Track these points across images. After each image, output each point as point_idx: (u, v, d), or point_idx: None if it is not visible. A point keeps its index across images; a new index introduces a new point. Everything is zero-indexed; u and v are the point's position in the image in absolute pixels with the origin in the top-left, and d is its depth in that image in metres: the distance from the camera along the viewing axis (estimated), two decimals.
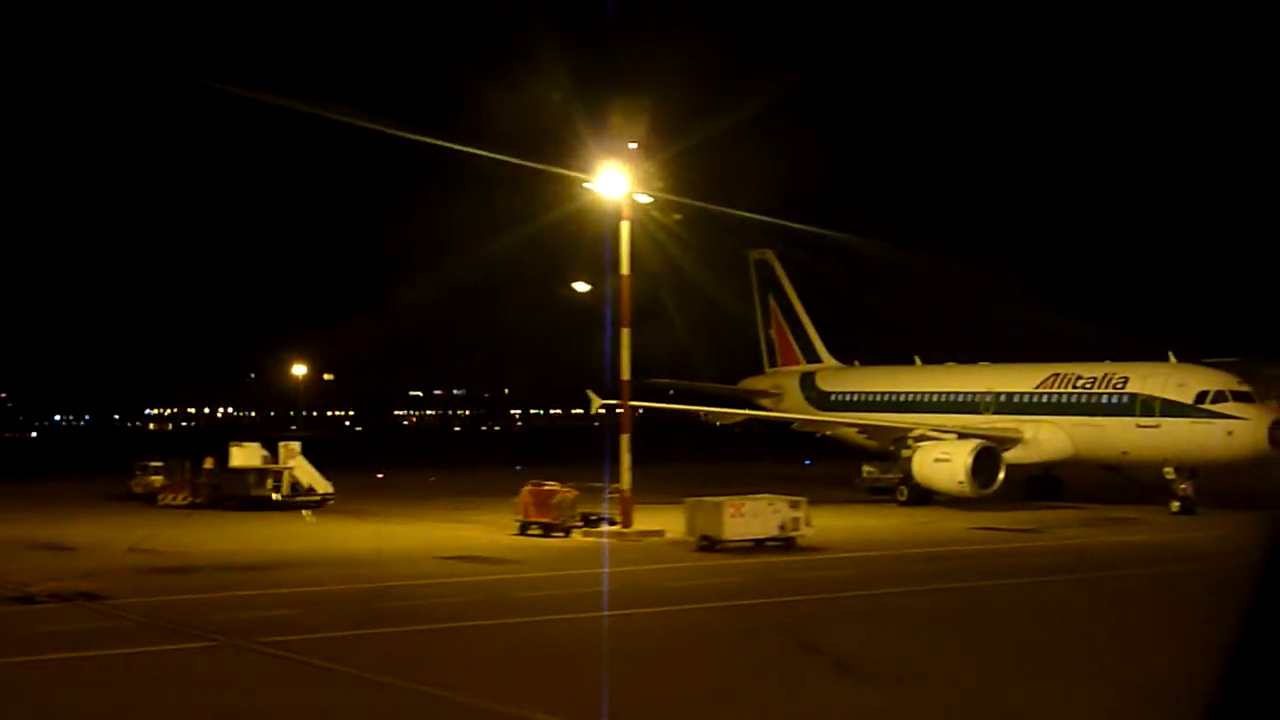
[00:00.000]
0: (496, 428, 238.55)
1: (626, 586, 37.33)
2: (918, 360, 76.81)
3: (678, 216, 52.80)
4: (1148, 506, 60.76)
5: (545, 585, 38.40)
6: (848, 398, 77.20)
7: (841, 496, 66.27)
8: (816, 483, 69.87)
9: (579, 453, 74.55)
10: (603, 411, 66.69)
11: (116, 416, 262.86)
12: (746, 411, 76.17)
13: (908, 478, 65.32)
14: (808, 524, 47.27)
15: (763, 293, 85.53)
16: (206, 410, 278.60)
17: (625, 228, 51.75)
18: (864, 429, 71.59)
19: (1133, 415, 61.34)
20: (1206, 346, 66.94)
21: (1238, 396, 58.62)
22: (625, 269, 51.93)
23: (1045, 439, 65.04)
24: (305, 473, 67.60)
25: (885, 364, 79.53)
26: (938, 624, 32.12)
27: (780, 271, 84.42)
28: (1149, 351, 64.71)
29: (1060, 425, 64.65)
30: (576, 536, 51.08)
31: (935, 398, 72.08)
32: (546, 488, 52.75)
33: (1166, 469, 61.24)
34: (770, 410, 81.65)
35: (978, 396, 69.54)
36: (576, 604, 34.70)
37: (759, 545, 46.19)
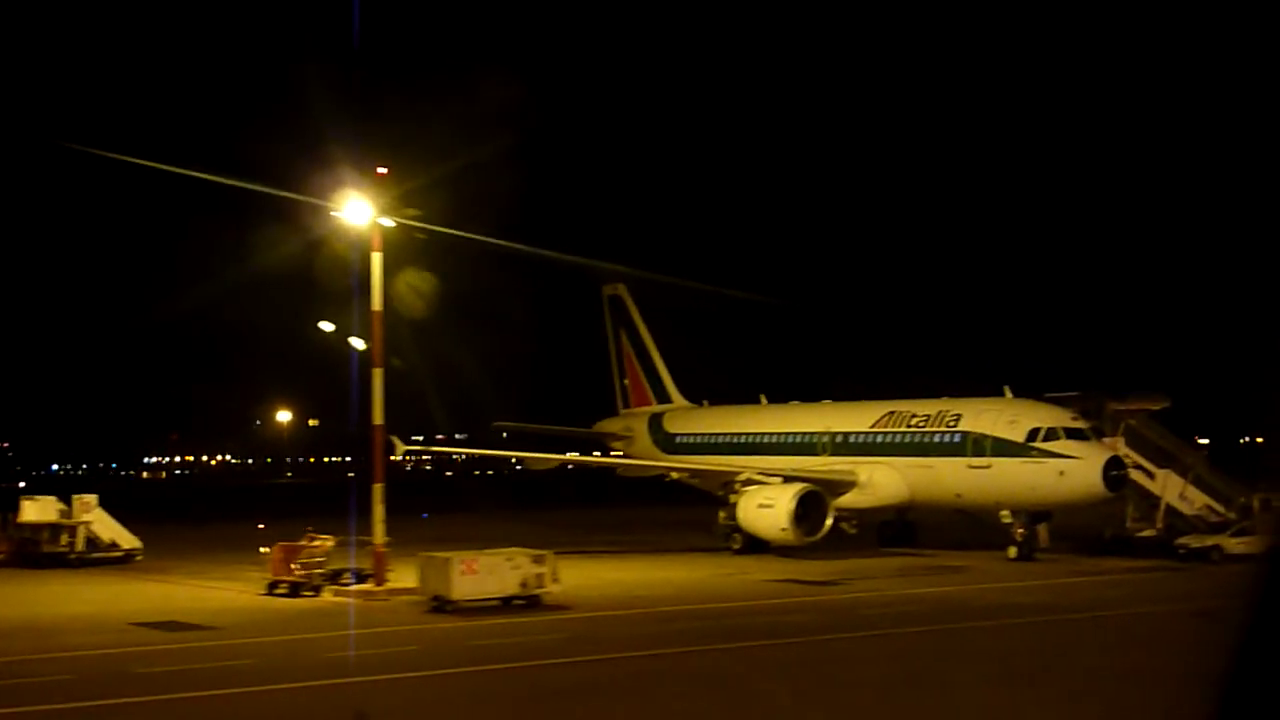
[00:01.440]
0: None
1: (300, 656, 33.17)
2: (763, 399, 72.20)
3: (420, 234, 47.99)
4: (993, 552, 56.32)
5: (213, 656, 33.72)
6: (692, 440, 72.64)
7: (687, 545, 62.71)
8: (685, 528, 65.49)
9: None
10: (408, 459, 62.17)
11: (114, 465, 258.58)
12: (559, 456, 70.89)
13: (737, 525, 60.73)
14: (555, 580, 42.66)
15: (615, 330, 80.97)
16: (205, 458, 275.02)
17: (376, 260, 47.23)
18: (694, 473, 67.05)
19: (964, 455, 57.02)
20: (1052, 381, 62.58)
21: (1071, 434, 54.32)
22: (376, 304, 47.28)
23: (880, 482, 60.61)
24: (106, 527, 62.92)
25: (733, 404, 74.73)
26: (641, 695, 28.16)
27: (632, 307, 79.81)
28: (987, 386, 60.36)
29: (895, 467, 60.25)
30: (327, 595, 46.39)
31: (774, 439, 67.62)
32: (303, 542, 48.09)
33: (1003, 512, 56.90)
34: (623, 453, 77.07)
35: (815, 437, 65.10)
36: (223, 679, 30.19)
37: (506, 604, 41.64)
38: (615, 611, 41.32)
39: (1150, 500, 60.09)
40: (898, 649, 33.73)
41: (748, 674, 30.47)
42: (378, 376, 47.42)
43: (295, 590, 46.67)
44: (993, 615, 38.97)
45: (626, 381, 79.86)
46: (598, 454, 77.04)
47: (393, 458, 62.45)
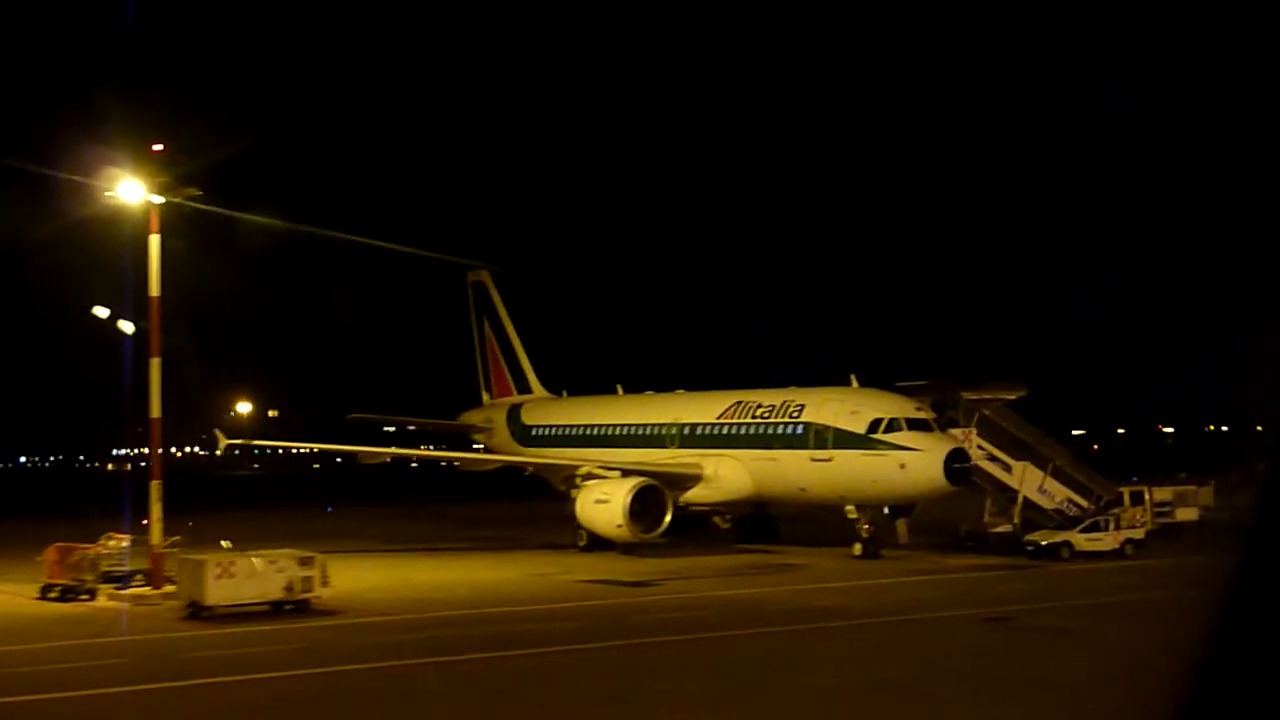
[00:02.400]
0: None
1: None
2: (619, 389, 69.24)
3: (197, 194, 44.49)
4: (846, 549, 53.59)
5: None
6: (547, 432, 69.66)
7: (543, 541, 59.83)
8: (562, 523, 62.73)
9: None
10: (234, 453, 58.97)
11: (82, 457, 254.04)
12: (395, 450, 67.31)
13: (578, 521, 57.78)
14: (324, 584, 39.65)
15: (479, 318, 77.77)
16: (174, 450, 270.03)
17: (154, 243, 43.98)
18: (538, 467, 64.11)
19: (807, 447, 54.28)
20: (908, 369, 59.92)
21: (914, 425, 51.61)
22: (154, 290, 44.08)
23: (726, 475, 57.76)
24: None
25: (591, 394, 71.64)
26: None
27: (495, 295, 76.62)
28: (836, 375, 57.53)
29: (740, 460, 57.43)
30: (103, 599, 43.21)
31: (624, 430, 64.74)
32: (98, 543, 44.91)
33: (848, 507, 54.25)
34: (484, 446, 74.04)
35: (663, 429, 62.26)
36: None
37: (278, 609, 38.60)
38: (384, 617, 38.24)
39: (1008, 494, 57.56)
40: (624, 662, 30.84)
41: (451, 691, 27.57)
42: (155, 367, 44.21)
43: (69, 594, 43.52)
44: (770, 621, 36.30)
45: (490, 371, 76.84)
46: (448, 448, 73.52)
47: (216, 452, 59.36)
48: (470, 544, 62.32)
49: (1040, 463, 57.75)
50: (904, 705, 25.25)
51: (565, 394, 73.47)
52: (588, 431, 67.05)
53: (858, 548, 53.28)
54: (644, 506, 54.75)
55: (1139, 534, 53.83)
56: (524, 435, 70.83)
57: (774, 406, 56.39)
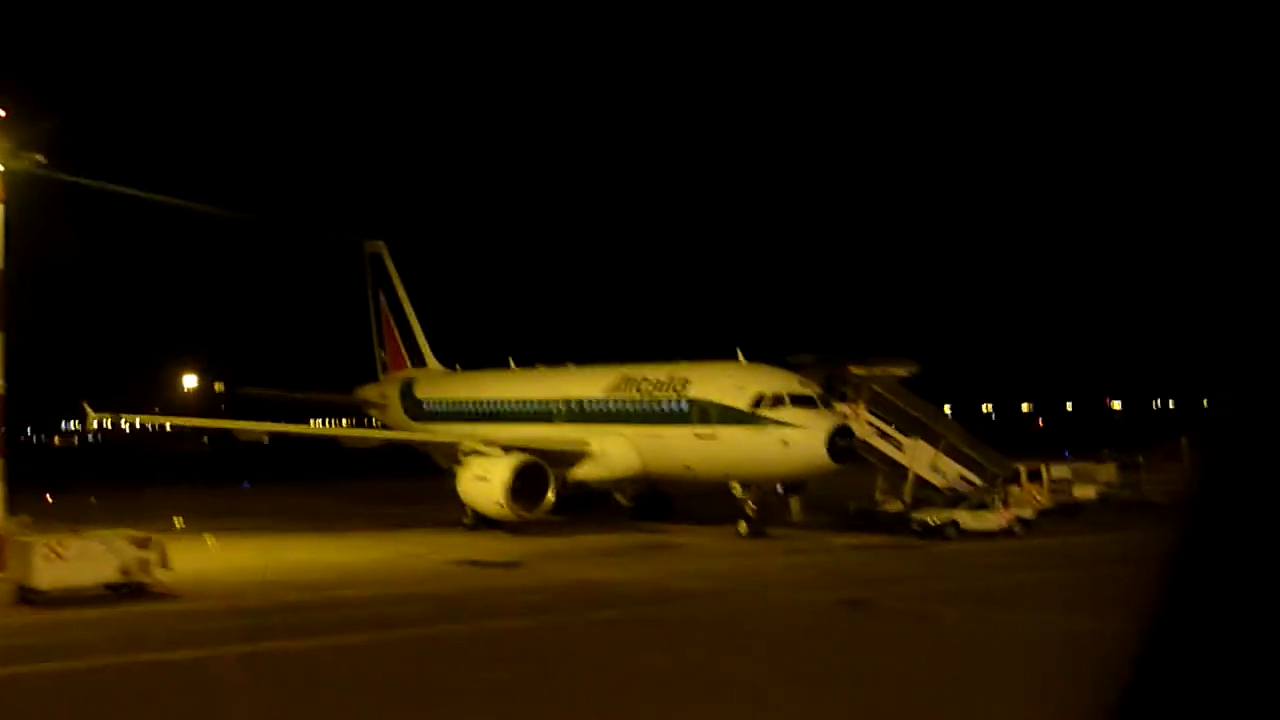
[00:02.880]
0: None
1: None
2: (511, 363, 67.57)
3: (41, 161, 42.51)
4: (731, 528, 52.30)
5: None
6: (438, 407, 67.97)
7: (439, 519, 57.33)
8: None
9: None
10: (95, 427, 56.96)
11: (28, 431, 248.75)
12: (271, 425, 65.12)
13: (460, 499, 56.15)
14: (163, 565, 37.88)
15: (375, 290, 75.86)
16: (123, 425, 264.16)
17: None
18: (421, 444, 62.42)
19: (691, 423, 52.92)
20: (804, 344, 58.67)
21: (797, 401, 50.26)
22: None
23: (612, 452, 56.32)
24: None
25: (485, 368, 69.83)
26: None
27: (391, 266, 74.71)
28: (724, 349, 56.14)
29: (627, 436, 56.00)
30: None
31: (513, 406, 63.22)
32: None
33: (733, 484, 52.96)
34: (380, 421, 72.29)
35: (551, 404, 60.76)
36: None
37: (117, 592, 36.82)
38: (219, 602, 36.41)
39: (900, 472, 56.52)
40: (442, 648, 29.39)
41: (240, 681, 25.96)
42: None
43: None
44: (618, 603, 35.03)
45: (385, 347, 75.00)
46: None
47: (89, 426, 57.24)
48: (369, 521, 60.44)
49: (932, 440, 56.76)
50: (707, 694, 23.90)
51: (459, 368, 71.72)
52: (478, 407, 65.47)
53: (743, 526, 52.04)
54: (526, 484, 53.21)
55: (1029, 512, 52.87)
56: (416, 410, 69.14)
57: (660, 382, 55.01)
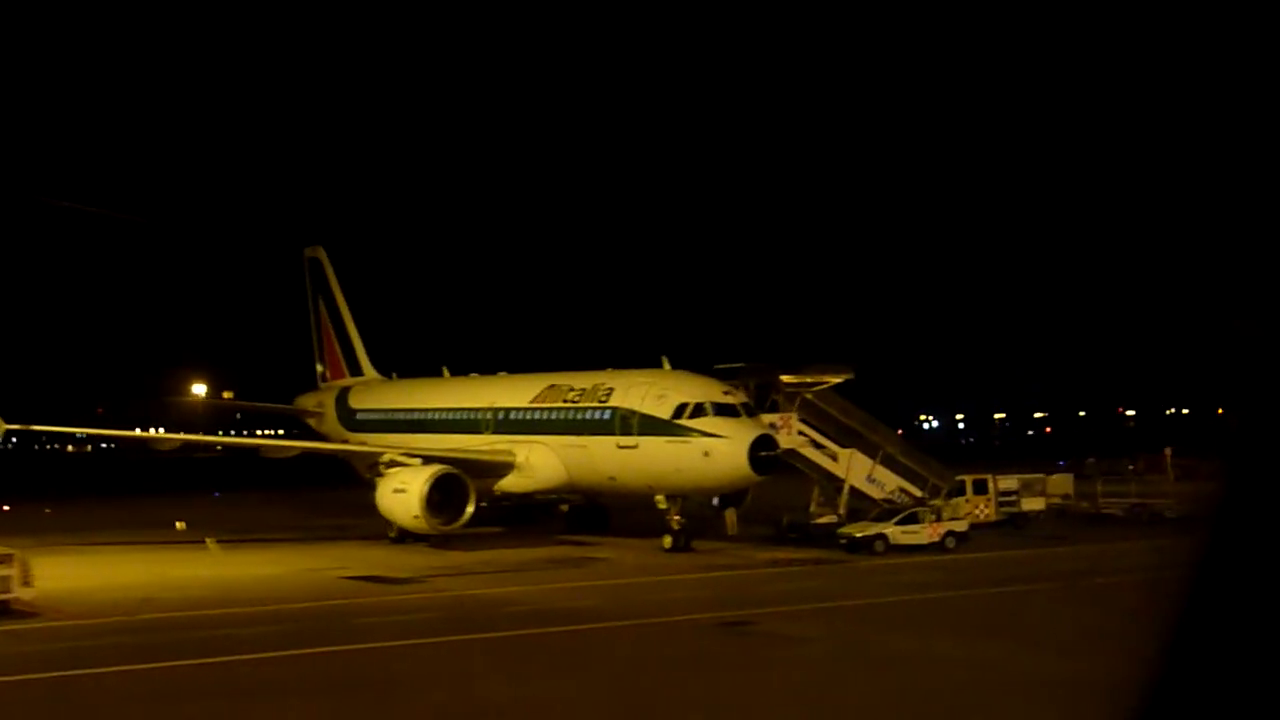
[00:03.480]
0: None
1: None
2: (445, 372, 65.61)
3: None
4: (654, 541, 50.53)
5: None
6: (371, 417, 66.09)
7: (368, 532, 55.24)
8: None
9: None
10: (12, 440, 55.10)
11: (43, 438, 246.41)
12: (180, 436, 62.77)
13: (379, 512, 54.17)
14: (25, 583, 36.02)
15: (315, 296, 74.00)
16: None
17: None
18: (344, 455, 60.49)
19: (614, 434, 51.02)
20: (739, 353, 56.57)
21: (720, 410, 48.31)
22: None
23: (538, 463, 54.44)
24: None
25: (420, 376, 67.87)
26: None
27: (329, 271, 72.84)
28: (649, 357, 54.24)
29: (552, 446, 54.10)
30: None
31: (442, 415, 61.34)
32: None
33: (658, 497, 51.05)
34: (317, 430, 70.38)
35: (479, 414, 58.86)
36: None
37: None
38: (78, 621, 34.46)
39: (836, 483, 54.57)
40: (252, 678, 27.26)
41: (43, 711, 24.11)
42: None
43: None
44: (488, 626, 33.01)
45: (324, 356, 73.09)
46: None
47: None
48: (299, 533, 58.53)
49: (870, 450, 54.81)
50: None
51: (395, 376, 69.83)
52: (408, 416, 63.65)
53: (667, 540, 50.15)
54: (445, 496, 51.36)
55: (962, 526, 50.83)
56: (350, 420, 67.30)
57: (585, 390, 53.14)
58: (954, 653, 28.18)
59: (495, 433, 56.94)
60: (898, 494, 54.23)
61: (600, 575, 43.90)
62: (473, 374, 63.97)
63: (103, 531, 59.17)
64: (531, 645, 30.68)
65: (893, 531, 49.04)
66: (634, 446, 49.98)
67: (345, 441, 65.22)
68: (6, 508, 68.20)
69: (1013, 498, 58.92)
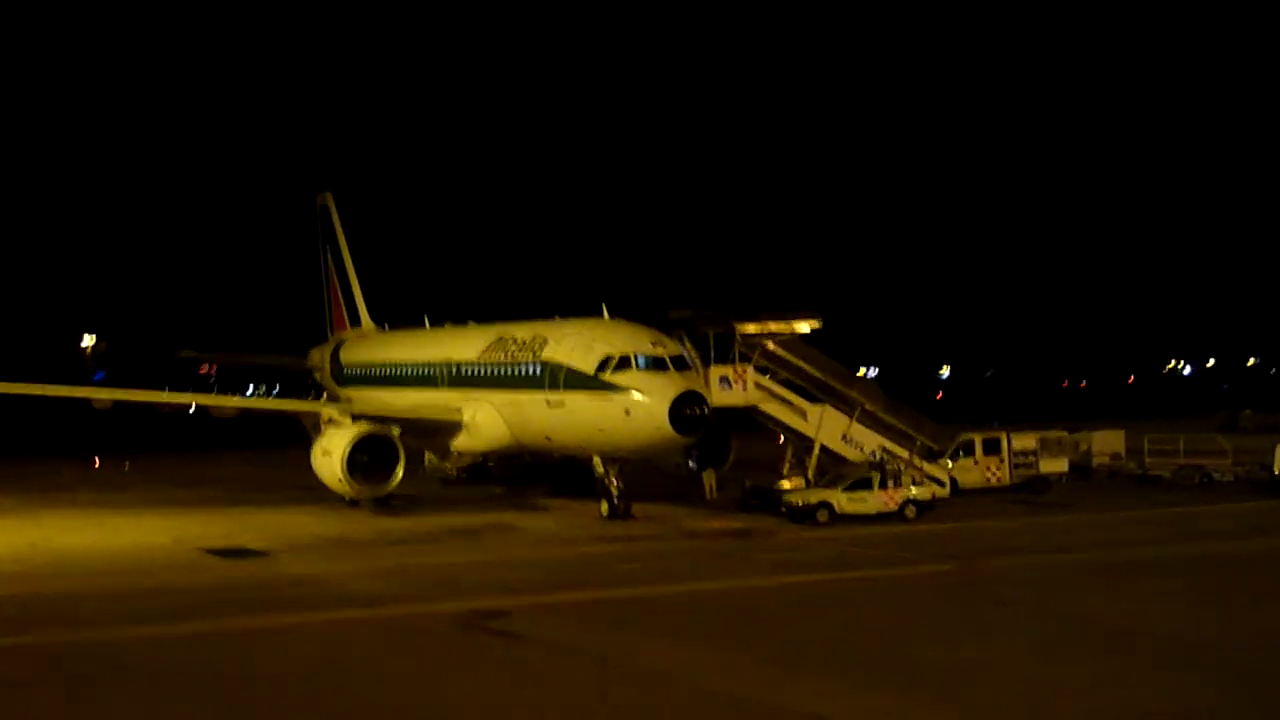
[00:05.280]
0: None
1: None
2: (426, 322, 61.35)
3: None
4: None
5: None
6: (355, 371, 62.54)
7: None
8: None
9: None
10: None
11: None
12: (119, 393, 58.77)
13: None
14: None
15: (323, 244, 70.63)
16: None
17: None
18: (292, 413, 56.83)
19: (543, 389, 46.41)
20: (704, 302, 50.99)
21: (647, 363, 43.11)
22: None
23: (482, 421, 50.09)
24: None
25: (409, 327, 63.34)
26: None
27: (335, 218, 69.24)
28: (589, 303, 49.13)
29: (494, 403, 49.72)
30: None
31: (407, 369, 57.42)
32: None
33: (595, 459, 46.43)
34: (321, 386, 67.32)
35: (436, 368, 54.75)
36: None
37: None
38: None
39: (808, 443, 49.07)
40: None
41: None
42: None
43: None
44: (240, 608, 29.22)
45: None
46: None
47: None
48: (265, 497, 55.34)
49: (846, 407, 49.17)
50: None
51: (386, 328, 65.91)
52: (382, 370, 60.07)
53: (604, 507, 45.47)
54: (376, 458, 47.49)
55: (925, 494, 44.78)
56: (339, 374, 63.99)
57: (524, 342, 48.52)
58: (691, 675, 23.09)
59: (450, 387, 52.83)
60: (879, 454, 48.51)
61: (484, 549, 39.52)
62: (447, 324, 59.46)
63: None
64: (220, 640, 26.71)
65: (839, 499, 43.43)
66: (561, 404, 45.35)
67: (337, 399, 61.80)
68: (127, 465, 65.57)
69: (1030, 459, 52.43)
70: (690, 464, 51.11)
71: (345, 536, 42.46)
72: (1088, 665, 23.47)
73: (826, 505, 43.27)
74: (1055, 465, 52.76)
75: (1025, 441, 52.73)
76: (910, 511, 43.76)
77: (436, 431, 51.37)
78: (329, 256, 69.41)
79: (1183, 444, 56.55)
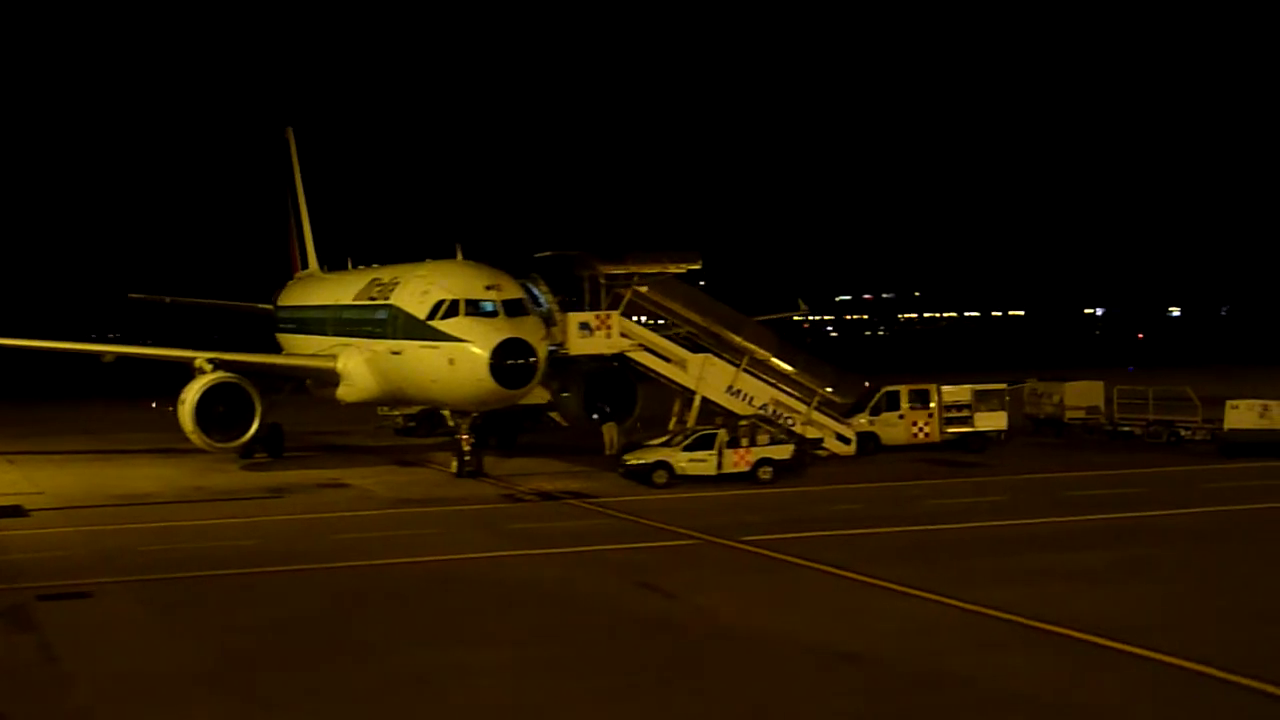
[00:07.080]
0: None
1: None
2: (349, 263, 58.12)
3: None
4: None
5: None
6: (288, 316, 59.71)
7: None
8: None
9: None
10: None
11: None
12: (24, 342, 56.10)
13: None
14: None
15: (286, 184, 67.75)
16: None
17: None
18: (163, 360, 53.85)
19: (388, 337, 43.22)
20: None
21: (474, 309, 39.48)
22: None
23: (354, 371, 46.89)
24: None
25: (339, 270, 60.01)
26: None
27: (294, 155, 66.11)
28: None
29: (362, 352, 46.49)
30: None
31: (313, 314, 54.56)
32: None
33: (444, 411, 43.12)
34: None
35: (325, 313, 51.79)
36: None
37: None
38: None
39: (689, 395, 44.90)
40: None
41: None
42: None
43: None
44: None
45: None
46: None
47: None
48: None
49: (732, 355, 44.84)
50: None
51: (325, 269, 62.68)
52: (297, 315, 57.36)
53: (453, 464, 42.17)
54: (230, 408, 44.82)
55: (784, 453, 40.17)
56: (277, 321, 61.43)
57: (385, 286, 45.24)
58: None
59: (334, 335, 49.87)
60: (772, 407, 44.13)
61: (292, 509, 36.65)
62: (359, 266, 56.13)
63: None
64: None
65: (678, 459, 39.24)
66: (400, 353, 42.14)
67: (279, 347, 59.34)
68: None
69: (964, 413, 47.36)
70: (593, 415, 47.44)
71: (179, 492, 40.35)
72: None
73: (665, 465, 39.19)
74: (992, 421, 47.60)
75: (957, 394, 47.69)
76: (765, 473, 39.35)
77: (320, 382, 48.61)
78: (290, 197, 66.66)
79: (1152, 397, 50.59)
